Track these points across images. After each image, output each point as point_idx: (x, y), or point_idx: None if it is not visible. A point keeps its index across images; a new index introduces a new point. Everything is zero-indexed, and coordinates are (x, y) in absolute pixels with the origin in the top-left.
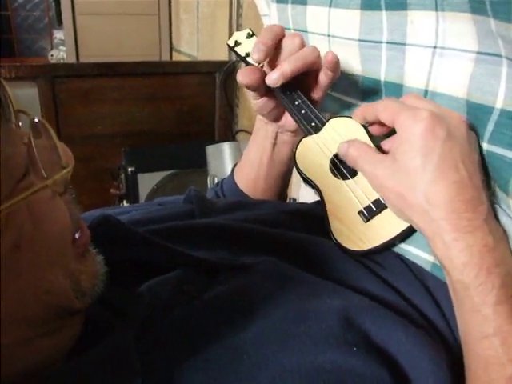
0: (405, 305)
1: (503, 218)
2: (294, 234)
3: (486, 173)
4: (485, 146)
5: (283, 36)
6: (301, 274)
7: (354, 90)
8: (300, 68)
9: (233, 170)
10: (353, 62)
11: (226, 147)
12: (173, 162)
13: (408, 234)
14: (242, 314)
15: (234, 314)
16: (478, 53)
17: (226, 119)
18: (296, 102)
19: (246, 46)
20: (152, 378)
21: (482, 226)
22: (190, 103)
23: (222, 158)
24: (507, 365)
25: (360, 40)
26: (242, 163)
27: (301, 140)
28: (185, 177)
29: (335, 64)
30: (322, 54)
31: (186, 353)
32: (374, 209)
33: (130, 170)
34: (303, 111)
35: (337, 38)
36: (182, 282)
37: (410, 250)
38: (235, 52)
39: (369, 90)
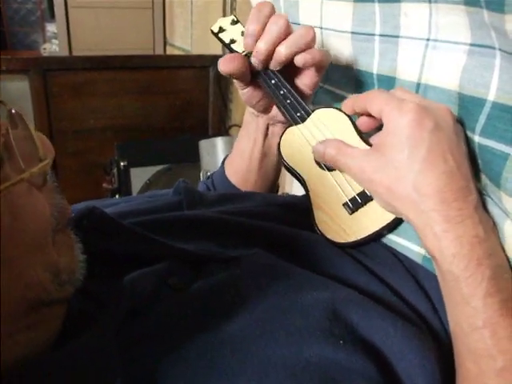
0: (394, 298)
1: (494, 210)
2: (282, 226)
3: (476, 165)
4: (476, 138)
5: (271, 15)
6: (288, 266)
7: (346, 83)
8: (295, 52)
9: (223, 163)
10: (345, 55)
11: (220, 142)
12: (166, 157)
13: (393, 226)
14: (227, 307)
15: (220, 308)
16: (471, 45)
17: (219, 114)
18: (281, 91)
19: (231, 33)
20: (133, 371)
21: (472, 216)
22: (184, 97)
23: (215, 153)
24: (497, 357)
25: (353, 32)
26: (232, 156)
27: (286, 130)
28: (178, 171)
29: (320, 63)
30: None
31: (169, 347)
32: (359, 201)
33: (122, 164)
34: (288, 100)
35: (329, 30)
36: (167, 275)
37: (400, 242)
38: (219, 38)
39: (361, 83)
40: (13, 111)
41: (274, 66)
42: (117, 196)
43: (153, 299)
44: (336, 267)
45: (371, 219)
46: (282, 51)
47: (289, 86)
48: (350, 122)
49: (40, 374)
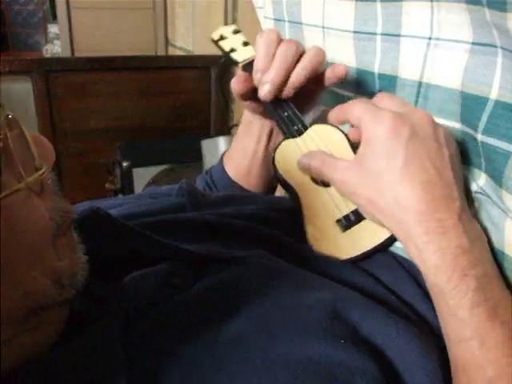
0: (395, 299)
1: (493, 210)
2: (283, 230)
3: (476, 165)
4: (479, 137)
5: (279, 43)
6: (290, 267)
7: (348, 83)
8: (308, 77)
9: (221, 158)
10: (347, 54)
11: (222, 141)
12: (168, 157)
13: (387, 245)
14: (229, 307)
15: (222, 307)
16: (473, 43)
17: (221, 113)
18: (279, 104)
19: (231, 42)
20: (137, 370)
21: (455, 226)
22: (186, 97)
23: (218, 153)
24: (487, 367)
25: (355, 32)
26: (232, 152)
27: (281, 142)
28: (180, 171)
29: (345, 76)
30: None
31: (173, 346)
32: (353, 219)
33: (124, 164)
34: (286, 113)
35: (331, 29)
36: (170, 275)
37: (398, 244)
38: (219, 46)
39: (363, 83)
40: (9, 116)
41: (286, 94)
42: (119, 196)
43: (156, 299)
44: (337, 269)
45: (364, 238)
46: (302, 75)
47: (287, 99)
48: (344, 138)
49: (42, 373)
